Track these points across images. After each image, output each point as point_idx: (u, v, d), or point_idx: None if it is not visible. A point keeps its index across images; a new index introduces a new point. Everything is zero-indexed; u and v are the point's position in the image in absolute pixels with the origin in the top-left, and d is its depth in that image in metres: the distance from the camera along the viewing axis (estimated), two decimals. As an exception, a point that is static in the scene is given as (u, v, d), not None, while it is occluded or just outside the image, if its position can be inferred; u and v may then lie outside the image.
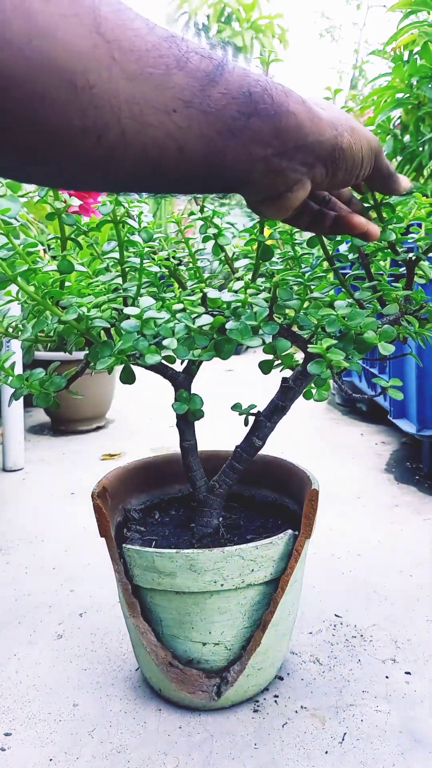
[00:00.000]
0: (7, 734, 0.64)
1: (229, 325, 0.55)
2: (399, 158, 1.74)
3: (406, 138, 1.72)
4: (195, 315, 0.57)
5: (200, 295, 0.62)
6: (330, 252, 0.61)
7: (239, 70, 0.35)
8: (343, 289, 0.64)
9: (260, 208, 0.43)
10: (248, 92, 0.35)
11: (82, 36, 0.27)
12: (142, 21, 0.30)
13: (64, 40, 0.27)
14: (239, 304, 0.58)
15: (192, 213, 0.67)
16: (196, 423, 0.71)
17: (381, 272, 0.64)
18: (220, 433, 1.25)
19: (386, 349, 0.54)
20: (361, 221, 0.47)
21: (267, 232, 0.64)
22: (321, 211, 0.48)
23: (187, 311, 0.58)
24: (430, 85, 1.59)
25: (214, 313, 0.59)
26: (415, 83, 1.63)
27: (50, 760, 0.61)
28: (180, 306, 0.58)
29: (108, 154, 0.30)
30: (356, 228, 0.47)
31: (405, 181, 0.49)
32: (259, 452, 0.72)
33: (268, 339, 0.60)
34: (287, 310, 0.60)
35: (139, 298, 0.59)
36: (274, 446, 0.85)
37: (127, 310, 0.55)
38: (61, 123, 0.28)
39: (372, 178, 0.46)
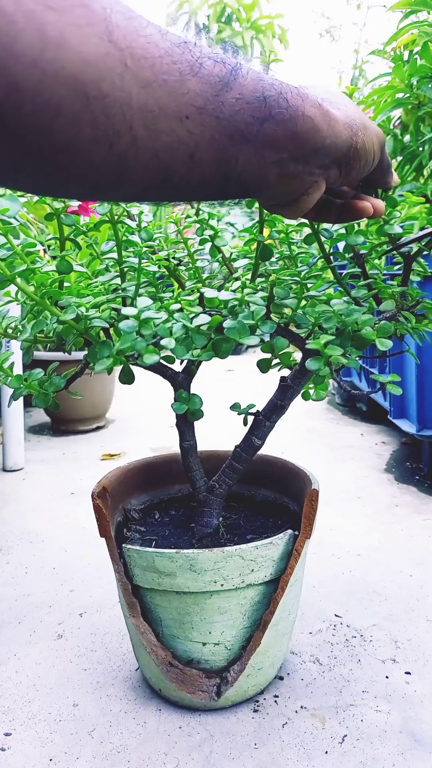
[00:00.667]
0: (7, 734, 0.64)
1: (227, 324, 0.55)
2: (399, 158, 1.74)
3: (406, 138, 1.72)
4: (192, 315, 0.57)
5: (197, 294, 0.62)
6: (328, 250, 0.61)
7: (253, 74, 0.34)
8: (339, 288, 0.64)
9: (276, 210, 0.43)
10: (263, 96, 0.34)
11: (94, 45, 0.27)
12: (155, 28, 0.30)
13: (77, 50, 0.26)
14: (236, 303, 0.58)
15: (189, 216, 0.67)
16: (196, 423, 0.71)
17: (376, 271, 0.64)
18: (220, 433, 1.25)
19: (384, 344, 0.54)
20: (365, 205, 0.47)
21: (266, 232, 0.64)
22: (328, 199, 0.48)
23: (185, 311, 0.58)
24: (430, 85, 1.59)
25: (212, 312, 0.59)
26: (415, 83, 1.62)
27: (50, 760, 0.61)
28: (177, 306, 0.58)
29: (119, 163, 0.30)
30: (363, 212, 0.47)
31: (395, 175, 0.50)
32: (259, 452, 0.72)
33: (266, 338, 0.60)
34: (284, 309, 0.60)
35: (137, 298, 0.59)
36: (274, 446, 0.85)
37: (125, 311, 0.55)
38: (71, 133, 0.27)
39: (374, 171, 0.46)
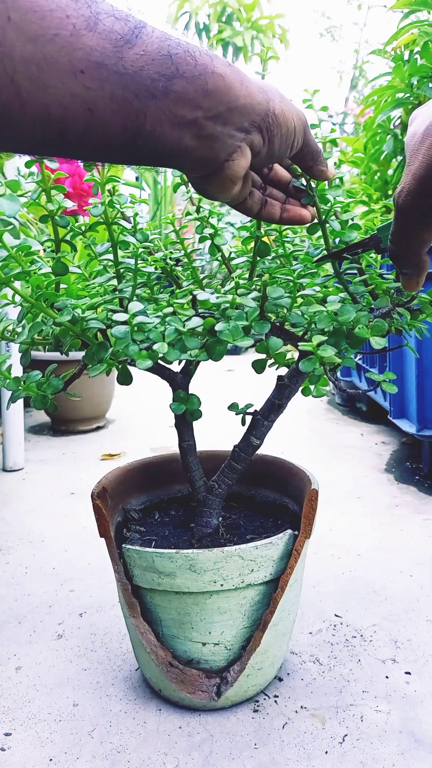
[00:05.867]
0: (7, 734, 0.65)
1: (219, 326, 0.55)
2: (399, 158, 1.74)
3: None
4: (185, 318, 0.57)
5: (190, 297, 0.62)
6: (330, 243, 0.60)
7: (159, 33, 0.34)
8: (336, 285, 0.64)
9: (205, 186, 0.42)
10: (168, 54, 0.34)
11: None
12: None
13: None
14: (228, 305, 0.57)
15: (189, 213, 0.67)
16: (196, 423, 0.71)
17: (371, 265, 0.64)
18: (219, 433, 1.25)
19: (377, 343, 0.54)
20: (303, 212, 0.49)
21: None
22: (268, 199, 0.48)
23: (178, 314, 0.57)
24: (430, 85, 1.59)
25: (205, 315, 0.59)
26: (415, 83, 1.63)
27: (50, 760, 0.61)
28: (170, 309, 0.58)
29: (2, 113, 0.30)
30: (302, 218, 0.49)
31: (331, 166, 0.50)
32: (259, 452, 0.72)
33: (261, 338, 0.60)
34: (279, 308, 0.60)
35: (129, 302, 0.59)
36: (273, 446, 0.85)
37: (117, 317, 0.55)
38: None
39: (303, 153, 0.46)
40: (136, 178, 3.94)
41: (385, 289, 0.60)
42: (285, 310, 0.59)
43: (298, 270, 0.61)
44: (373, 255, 0.64)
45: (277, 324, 0.62)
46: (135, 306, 0.55)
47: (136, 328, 0.54)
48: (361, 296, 0.61)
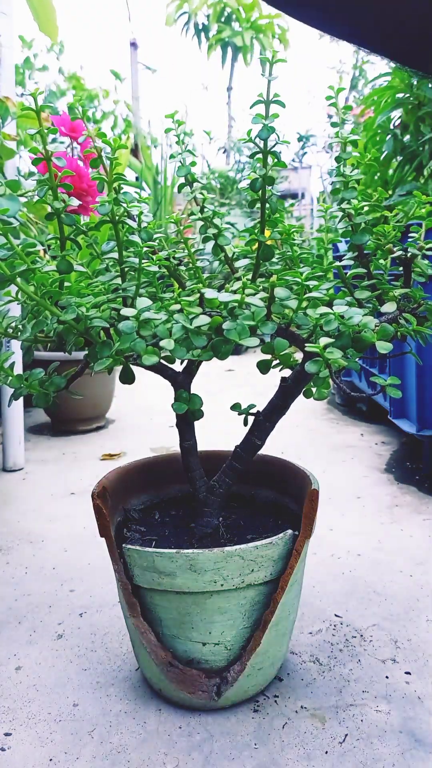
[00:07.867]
0: (7, 734, 0.64)
1: (226, 325, 0.55)
2: (399, 158, 1.74)
3: (406, 138, 1.72)
4: (192, 315, 0.57)
5: (198, 295, 0.62)
6: (326, 246, 0.61)
7: None
8: (342, 289, 0.64)
9: None
10: None
11: None
12: None
13: None
14: (236, 304, 0.57)
15: (192, 213, 0.67)
16: (197, 423, 0.71)
17: (381, 271, 0.64)
18: (220, 433, 1.25)
19: (384, 347, 0.54)
20: None
21: (267, 233, 0.64)
22: None
23: (185, 312, 0.57)
24: (430, 85, 1.59)
25: (212, 313, 0.59)
26: (415, 83, 1.63)
27: (50, 760, 0.61)
28: (177, 306, 0.58)
29: None
30: None
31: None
32: (260, 452, 0.72)
33: (266, 339, 0.60)
34: (285, 310, 0.60)
35: (137, 298, 0.59)
36: (274, 446, 0.85)
37: (125, 311, 0.55)
38: None
39: None
40: (136, 178, 3.93)
41: (393, 295, 0.61)
42: (291, 312, 0.59)
43: (305, 273, 0.62)
44: (382, 261, 0.64)
45: (283, 325, 0.62)
46: (143, 302, 0.55)
47: (143, 324, 0.54)
48: (367, 301, 0.61)
